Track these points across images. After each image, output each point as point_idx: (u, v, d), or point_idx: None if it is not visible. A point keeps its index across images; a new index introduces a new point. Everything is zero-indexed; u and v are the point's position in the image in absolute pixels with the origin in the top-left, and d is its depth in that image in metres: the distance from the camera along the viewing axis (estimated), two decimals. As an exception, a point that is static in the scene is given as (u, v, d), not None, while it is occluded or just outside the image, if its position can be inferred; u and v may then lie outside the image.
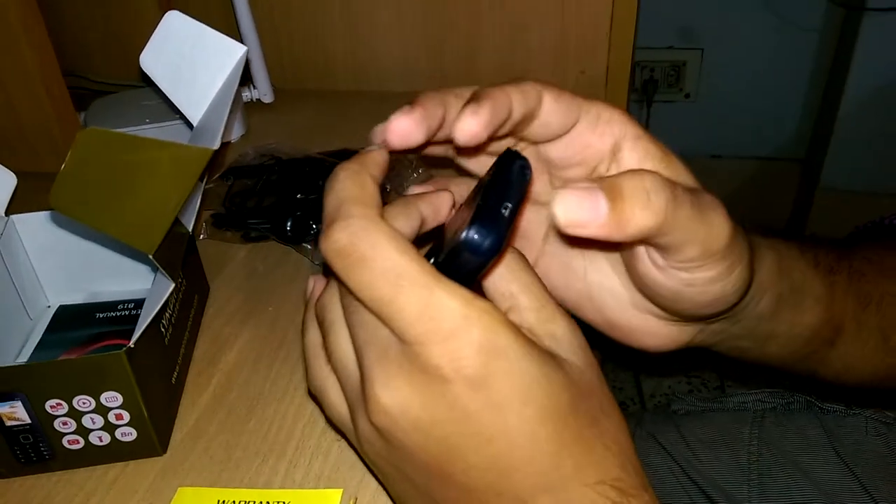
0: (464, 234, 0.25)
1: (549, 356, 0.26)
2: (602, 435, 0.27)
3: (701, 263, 0.28)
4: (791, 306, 0.37)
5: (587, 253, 0.34)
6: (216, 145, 0.33)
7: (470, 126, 0.27)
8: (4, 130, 0.64)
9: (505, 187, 0.26)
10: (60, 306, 0.50)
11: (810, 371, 0.42)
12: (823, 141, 1.56)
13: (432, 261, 0.28)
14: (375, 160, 0.28)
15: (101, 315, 0.48)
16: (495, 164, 0.28)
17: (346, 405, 0.29)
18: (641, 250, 0.30)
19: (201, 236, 0.56)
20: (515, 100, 0.28)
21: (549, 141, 0.30)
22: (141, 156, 0.31)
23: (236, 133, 0.72)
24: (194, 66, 0.43)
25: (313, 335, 0.30)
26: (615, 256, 0.33)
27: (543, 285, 0.30)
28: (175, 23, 0.44)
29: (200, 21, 0.81)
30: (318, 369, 0.30)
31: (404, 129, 0.27)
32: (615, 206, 0.25)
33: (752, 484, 0.66)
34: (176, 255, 0.37)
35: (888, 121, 1.48)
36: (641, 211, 0.25)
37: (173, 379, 0.42)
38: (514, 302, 0.29)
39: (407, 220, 0.29)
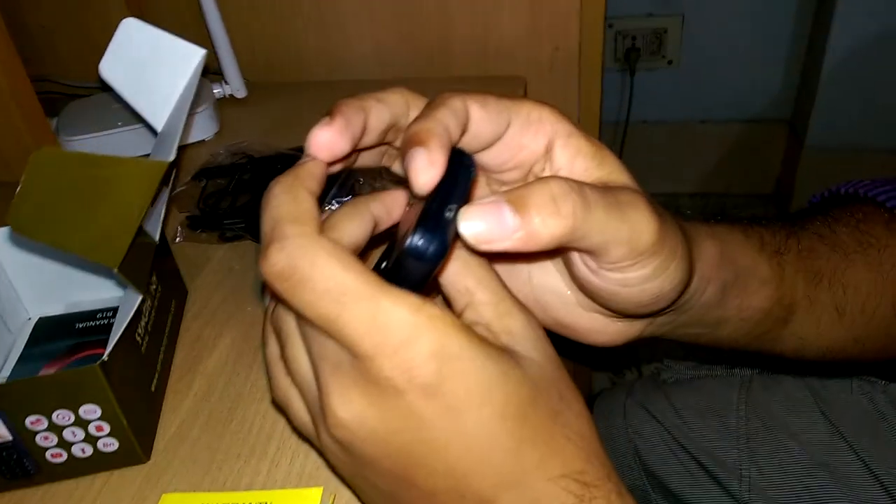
0: (408, 241, 0.25)
1: (505, 354, 0.26)
2: (564, 427, 0.27)
3: (630, 263, 0.28)
4: (738, 292, 0.37)
5: (531, 257, 0.34)
6: (172, 156, 0.33)
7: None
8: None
9: (449, 188, 0.26)
10: (40, 318, 0.50)
11: (766, 349, 0.42)
12: (808, 100, 1.55)
13: (384, 265, 0.28)
14: (310, 172, 0.28)
15: (81, 325, 0.49)
16: None
17: (309, 415, 0.29)
18: (574, 255, 0.30)
19: (177, 239, 0.56)
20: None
21: (484, 149, 0.30)
22: (96, 172, 0.31)
23: (209, 131, 0.72)
24: (154, 73, 0.43)
25: (272, 346, 0.31)
26: (558, 259, 0.34)
27: (500, 279, 0.30)
28: (132, 30, 0.43)
29: (171, 21, 0.81)
30: (279, 380, 0.30)
31: (326, 140, 0.27)
32: (522, 217, 0.25)
33: (741, 449, 0.66)
34: (143, 266, 0.37)
35: (871, 77, 1.48)
36: (550, 219, 0.25)
37: (152, 386, 0.42)
38: (470, 298, 0.29)
39: (358, 223, 0.29)
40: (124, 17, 0.79)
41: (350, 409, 0.25)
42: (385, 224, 0.31)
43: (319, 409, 0.27)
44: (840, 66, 1.47)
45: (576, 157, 0.30)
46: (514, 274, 0.34)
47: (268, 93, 0.80)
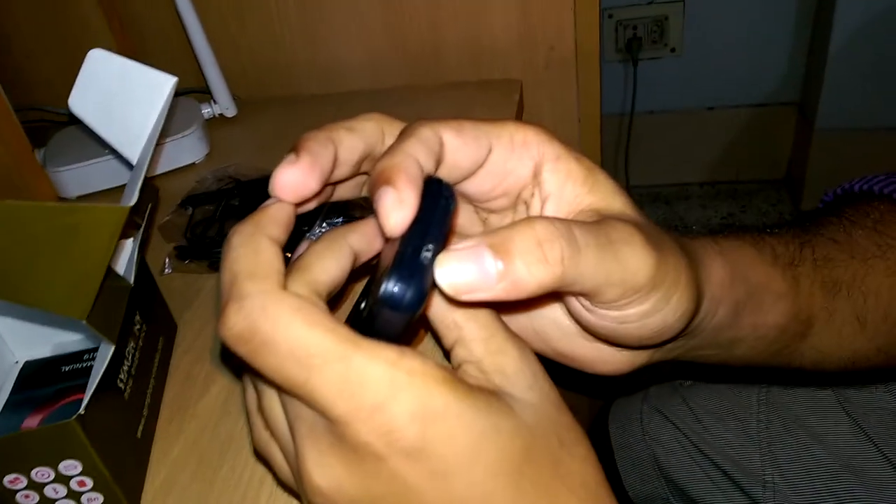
0: (382, 289, 0.23)
1: (496, 402, 0.24)
2: (565, 478, 0.25)
3: (627, 301, 0.26)
4: (751, 310, 0.35)
5: None
6: (133, 200, 0.32)
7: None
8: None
9: (425, 226, 0.24)
10: (26, 362, 0.49)
11: (783, 364, 0.40)
12: (816, 81, 1.51)
13: (363, 305, 0.26)
14: (273, 217, 0.25)
15: (67, 368, 0.47)
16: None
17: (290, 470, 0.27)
18: (568, 296, 0.28)
19: (166, 271, 0.54)
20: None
21: (465, 179, 0.28)
22: (54, 222, 0.29)
23: (199, 153, 0.70)
24: (125, 104, 0.41)
25: (251, 396, 0.29)
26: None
27: (491, 311, 0.27)
28: (99, 61, 0.41)
29: (156, 43, 0.79)
30: (259, 433, 0.28)
31: (292, 181, 0.25)
32: (505, 263, 0.22)
33: (763, 453, 0.64)
34: (115, 313, 0.36)
35: (879, 55, 1.44)
36: (535, 266, 0.23)
37: (139, 433, 0.41)
38: (459, 333, 0.27)
39: (335, 260, 0.27)
40: (109, 42, 0.78)
41: (327, 475, 0.23)
42: (366, 256, 0.29)
43: (298, 472, 0.25)
44: (847, 45, 1.44)
45: (566, 181, 0.28)
46: (511, 304, 0.32)
47: (258, 109, 0.78)
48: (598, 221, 0.26)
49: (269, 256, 0.24)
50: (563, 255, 0.23)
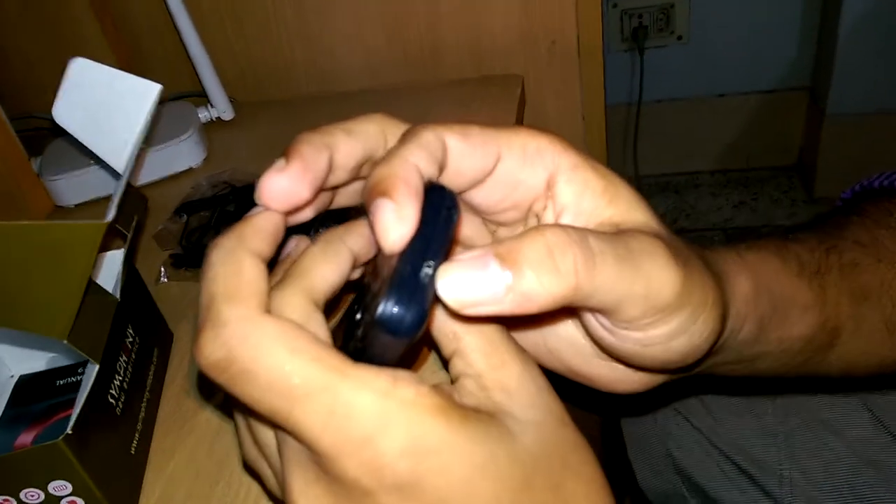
0: (379, 311, 0.21)
1: (494, 428, 0.22)
2: (568, 501, 0.23)
3: (651, 321, 0.24)
4: (777, 324, 0.33)
5: None
6: (111, 215, 0.31)
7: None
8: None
9: (426, 240, 0.22)
10: (21, 377, 0.48)
11: (809, 374, 0.38)
12: (827, 65, 1.49)
13: (358, 317, 0.24)
14: (259, 228, 0.24)
15: (62, 381, 0.46)
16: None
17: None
18: (583, 313, 0.26)
19: (162, 279, 0.53)
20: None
21: (472, 188, 0.26)
22: (30, 241, 0.28)
23: (197, 158, 0.69)
24: (110, 113, 0.40)
25: (240, 414, 0.27)
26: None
27: (494, 321, 0.26)
28: (81, 70, 0.40)
29: (152, 47, 0.78)
30: (248, 448, 0.27)
31: (281, 189, 0.23)
32: (514, 274, 0.20)
33: (780, 448, 0.63)
34: (100, 330, 0.35)
35: (890, 37, 1.41)
36: (547, 277, 0.21)
37: (132, 449, 0.40)
38: (458, 344, 0.25)
39: (333, 264, 0.25)
40: (103, 49, 0.77)
41: None
42: (366, 257, 0.27)
43: (284, 497, 0.24)
44: (857, 28, 1.41)
45: (583, 192, 0.25)
46: (525, 327, 0.30)
47: (256, 112, 0.77)
48: (618, 232, 0.24)
49: (251, 276, 0.22)
50: (577, 264, 0.21)
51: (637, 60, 1.61)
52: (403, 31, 0.75)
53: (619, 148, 1.71)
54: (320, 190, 0.25)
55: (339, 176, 0.26)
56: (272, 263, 0.25)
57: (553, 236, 0.21)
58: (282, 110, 0.77)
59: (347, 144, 0.25)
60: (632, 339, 0.25)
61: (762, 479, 0.62)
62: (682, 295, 0.24)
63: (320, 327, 0.23)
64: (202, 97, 0.75)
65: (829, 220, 0.39)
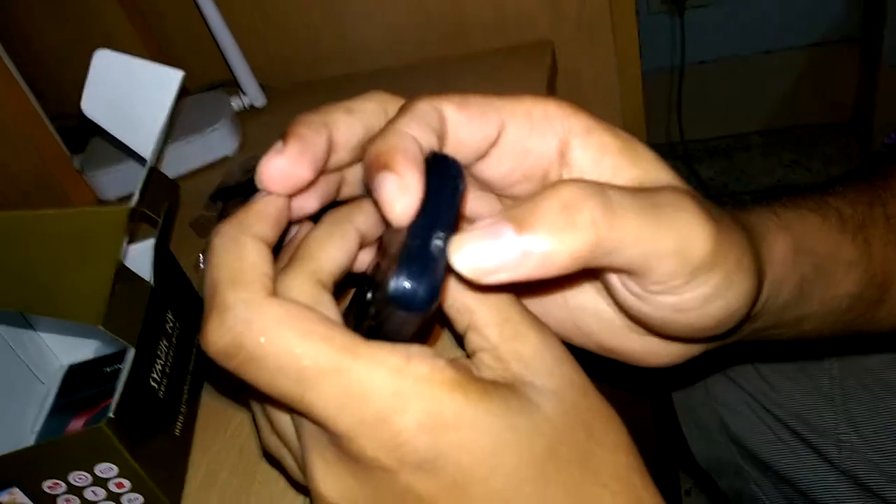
0: (391, 286, 0.20)
1: (514, 400, 0.22)
2: (597, 473, 0.23)
3: (683, 281, 0.22)
4: (821, 284, 0.31)
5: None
6: (134, 201, 0.31)
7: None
8: (3, 193, 0.64)
9: (434, 211, 0.21)
10: (70, 366, 0.49)
11: (860, 332, 0.36)
12: (878, 13, 1.41)
13: (369, 296, 0.24)
14: (261, 213, 0.23)
15: (109, 369, 0.48)
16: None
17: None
18: (612, 279, 0.25)
19: (201, 266, 0.54)
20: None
21: (477, 160, 0.25)
22: (54, 230, 0.29)
23: (231, 146, 0.70)
24: (135, 103, 0.41)
25: (256, 402, 0.28)
26: (597, 280, 0.28)
27: (507, 291, 0.25)
28: (106, 62, 0.41)
29: (181, 39, 0.79)
30: (267, 436, 0.27)
31: (280, 171, 0.23)
32: (530, 236, 0.20)
33: (837, 411, 0.60)
34: (135, 315, 0.35)
35: (949, -24, 1.33)
36: (565, 234, 0.20)
37: (177, 431, 0.41)
38: (471, 318, 0.24)
39: (340, 244, 0.25)
40: (134, 44, 0.78)
41: (336, 487, 0.22)
42: (373, 236, 0.27)
43: (307, 481, 0.24)
44: (911, -30, 1.33)
45: (601, 156, 0.24)
46: (546, 297, 0.29)
47: (288, 97, 0.77)
48: (645, 188, 0.23)
49: (254, 259, 0.22)
50: (596, 217, 0.20)
51: (677, 22, 1.56)
52: (425, 5, 0.74)
53: (662, 114, 1.67)
54: (322, 171, 0.25)
55: (341, 156, 0.25)
56: (277, 251, 0.25)
57: (568, 191, 0.20)
58: (312, 94, 0.77)
59: (346, 123, 0.25)
60: (665, 305, 0.24)
61: (819, 443, 0.60)
62: (716, 253, 0.22)
63: (330, 309, 0.23)
64: (234, 86, 0.76)
65: (871, 169, 0.37)
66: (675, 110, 1.63)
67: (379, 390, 0.20)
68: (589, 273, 0.27)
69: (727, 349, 0.32)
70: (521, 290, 0.29)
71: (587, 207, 0.20)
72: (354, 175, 0.28)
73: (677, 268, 0.22)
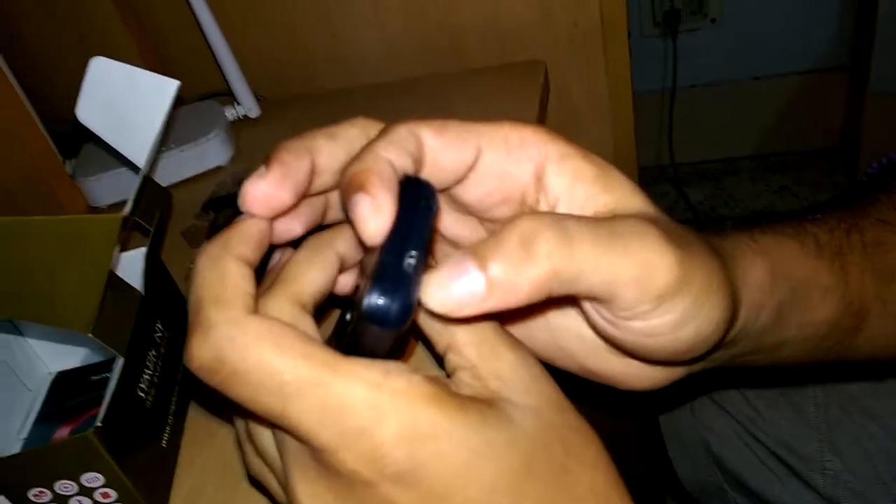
0: (365, 303, 0.21)
1: (490, 415, 0.22)
2: (573, 489, 0.23)
3: (651, 307, 0.23)
4: (797, 309, 0.32)
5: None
6: (127, 209, 0.31)
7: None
8: (-6, 198, 0.63)
9: (406, 231, 0.22)
10: (58, 373, 0.49)
11: (837, 360, 0.36)
12: (867, 42, 1.44)
13: (347, 317, 0.25)
14: (244, 234, 0.24)
15: (96, 377, 0.47)
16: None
17: None
18: (584, 305, 0.25)
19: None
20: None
21: (455, 183, 0.26)
22: (45, 236, 0.29)
23: (224, 156, 0.70)
24: (130, 111, 0.41)
25: (239, 421, 0.28)
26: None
27: (489, 318, 0.25)
28: (101, 69, 0.41)
29: (178, 48, 0.79)
30: (251, 459, 0.27)
31: (262, 194, 0.24)
32: (491, 271, 0.21)
33: (822, 438, 0.61)
34: (124, 324, 0.35)
35: (936, 9, 1.36)
36: (523, 267, 0.21)
37: (164, 442, 0.40)
38: (451, 339, 0.25)
39: (321, 268, 0.26)
40: (131, 51, 0.78)
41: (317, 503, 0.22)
42: (353, 260, 0.27)
43: (289, 501, 0.24)
44: (899, 2, 1.36)
45: (574, 182, 0.25)
46: (528, 318, 0.30)
47: (282, 108, 0.78)
48: (614, 216, 0.24)
49: (236, 279, 0.23)
50: (552, 249, 0.21)
51: (670, 45, 1.58)
52: (422, 21, 0.74)
53: (653, 136, 1.68)
54: (305, 195, 0.26)
55: (324, 180, 0.26)
56: (260, 275, 0.25)
57: (526, 224, 0.22)
58: (306, 106, 0.78)
59: (329, 148, 0.26)
60: (635, 330, 0.24)
61: (804, 471, 0.60)
62: (680, 279, 0.23)
63: (310, 329, 0.24)
64: (229, 96, 0.76)
65: (852, 197, 0.38)
66: (666, 133, 1.65)
67: (358, 404, 0.21)
68: (566, 298, 0.28)
69: (713, 373, 0.33)
70: (504, 315, 0.30)
71: (543, 239, 0.21)
72: (339, 200, 0.29)
73: (640, 295, 0.23)
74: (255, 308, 0.23)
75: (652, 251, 0.22)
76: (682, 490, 0.73)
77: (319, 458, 0.22)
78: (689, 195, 1.68)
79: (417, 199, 0.23)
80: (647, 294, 0.23)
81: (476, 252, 0.21)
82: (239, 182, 0.55)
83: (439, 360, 0.26)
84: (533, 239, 0.21)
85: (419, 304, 0.22)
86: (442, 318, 0.23)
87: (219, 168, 0.69)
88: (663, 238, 0.23)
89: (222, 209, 0.56)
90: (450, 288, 0.21)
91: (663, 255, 0.23)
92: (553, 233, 0.21)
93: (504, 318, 0.27)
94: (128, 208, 0.32)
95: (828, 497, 0.58)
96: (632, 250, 0.22)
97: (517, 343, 0.25)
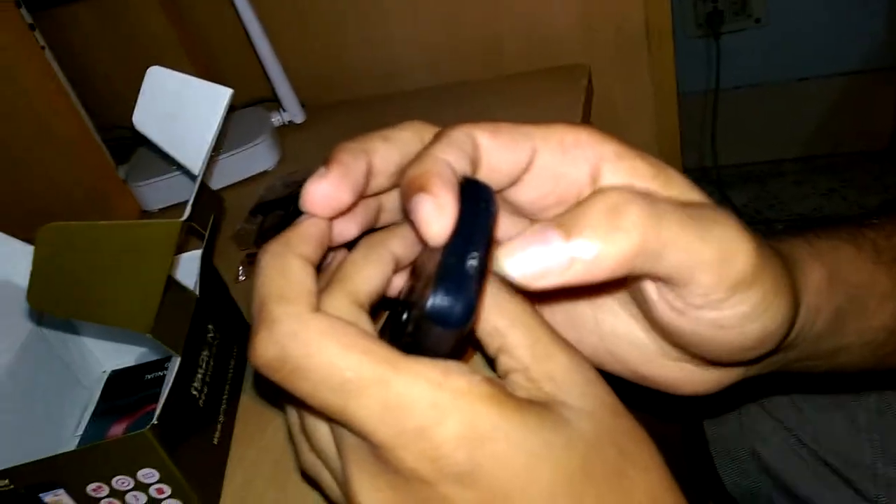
0: (428, 304, 0.21)
1: (548, 416, 0.22)
2: (630, 491, 0.23)
3: (725, 295, 0.23)
4: (855, 315, 0.31)
5: (595, 299, 0.29)
6: (186, 215, 0.32)
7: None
8: (53, 204, 0.66)
9: (468, 232, 0.22)
10: (112, 371, 0.51)
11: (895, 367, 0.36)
12: (919, 41, 1.40)
13: (405, 317, 0.25)
14: (305, 234, 0.24)
15: (150, 376, 0.49)
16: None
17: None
18: (652, 294, 0.25)
19: (240, 278, 0.55)
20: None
21: (510, 185, 0.26)
22: (110, 240, 0.30)
23: (271, 161, 0.71)
24: (185, 119, 0.42)
25: (293, 418, 0.28)
26: (630, 299, 0.28)
27: (534, 313, 0.26)
28: (158, 78, 0.42)
29: (225, 56, 0.81)
30: (304, 454, 0.28)
31: (323, 194, 0.24)
32: (578, 240, 0.20)
33: (874, 445, 0.59)
34: (181, 325, 0.36)
35: None
36: (612, 236, 0.21)
37: (215, 439, 0.41)
38: (502, 341, 0.25)
39: (376, 268, 0.26)
40: (180, 58, 0.80)
41: (376, 499, 0.23)
42: (407, 260, 0.27)
43: (347, 496, 0.24)
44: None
45: (633, 180, 0.25)
46: (578, 323, 0.30)
47: (325, 114, 0.79)
48: (692, 202, 0.24)
49: (300, 277, 0.23)
50: (642, 220, 0.21)
51: (713, 46, 1.56)
52: (463, 27, 0.75)
53: (696, 139, 1.66)
54: (362, 196, 0.26)
55: (379, 181, 0.26)
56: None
57: (614, 196, 0.21)
58: (349, 111, 0.79)
59: (384, 149, 0.26)
60: (705, 321, 0.24)
61: (855, 478, 0.59)
62: (757, 267, 0.23)
63: (368, 327, 0.24)
64: (275, 102, 0.78)
65: None
66: (709, 135, 1.63)
67: (418, 402, 0.21)
68: (622, 283, 0.27)
69: (762, 379, 0.32)
70: (555, 315, 0.30)
71: (633, 211, 0.21)
72: (392, 202, 0.29)
73: (719, 280, 0.22)
74: (317, 306, 0.23)
75: (733, 237, 0.22)
76: (725, 496, 0.72)
77: (379, 454, 0.22)
78: (733, 198, 1.65)
79: (477, 201, 0.23)
80: (726, 280, 0.22)
81: (561, 222, 0.21)
82: (287, 185, 0.57)
83: (491, 363, 0.26)
84: (621, 210, 0.21)
85: (480, 304, 0.22)
86: (512, 292, 0.23)
87: (265, 172, 0.71)
88: (742, 226, 0.23)
89: (271, 212, 0.57)
90: (531, 256, 0.21)
91: (743, 241, 0.22)
92: (643, 205, 0.21)
93: (553, 319, 0.27)
94: (186, 213, 0.33)
95: (879, 505, 0.57)
96: (715, 234, 0.22)
97: (569, 345, 0.25)
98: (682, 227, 0.21)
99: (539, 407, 0.23)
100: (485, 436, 0.21)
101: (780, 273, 0.24)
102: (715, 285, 0.22)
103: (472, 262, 0.22)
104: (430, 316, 0.21)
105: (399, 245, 0.27)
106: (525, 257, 0.21)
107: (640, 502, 0.23)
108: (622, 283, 0.26)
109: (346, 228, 0.27)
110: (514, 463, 0.21)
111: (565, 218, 0.21)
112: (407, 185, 0.23)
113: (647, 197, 0.21)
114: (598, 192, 0.22)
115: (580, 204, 0.21)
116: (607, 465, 0.23)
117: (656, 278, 0.24)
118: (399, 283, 0.28)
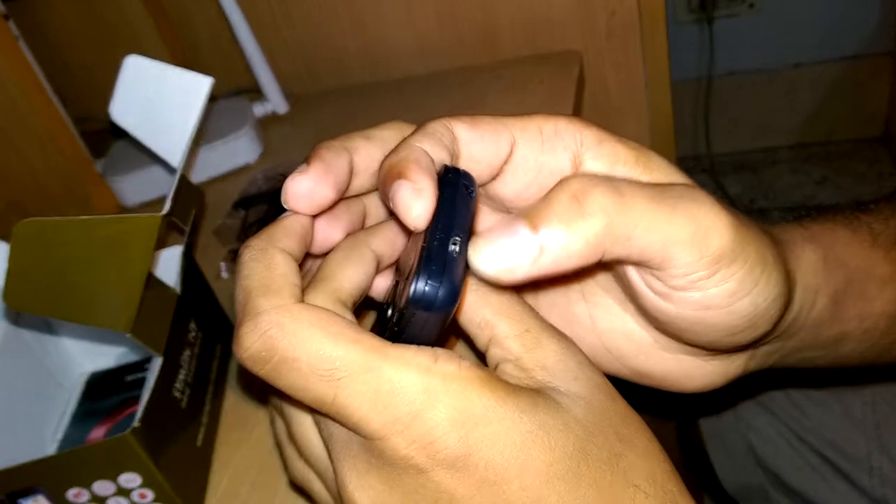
0: (412, 289, 0.21)
1: (541, 400, 0.22)
2: (627, 473, 0.22)
3: (706, 273, 0.22)
4: (854, 300, 0.31)
5: (588, 295, 0.29)
6: (166, 209, 0.31)
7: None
8: (27, 200, 0.64)
9: (449, 217, 0.22)
10: (92, 373, 0.49)
11: None
12: (914, 26, 1.39)
13: (389, 312, 0.25)
14: (288, 229, 0.24)
15: (130, 377, 0.47)
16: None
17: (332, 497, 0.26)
18: (636, 281, 0.25)
19: (223, 275, 0.54)
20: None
21: (492, 178, 0.26)
22: (88, 236, 0.29)
23: (253, 154, 0.69)
24: (164, 109, 0.41)
25: (280, 426, 0.27)
26: (622, 294, 0.28)
27: (522, 303, 0.25)
28: (135, 68, 0.41)
29: (205, 45, 0.79)
30: (293, 463, 0.27)
31: (304, 190, 0.24)
32: (544, 231, 0.20)
33: (869, 437, 0.59)
34: (161, 323, 0.35)
35: None
36: (576, 223, 0.21)
37: (199, 441, 0.40)
38: (491, 332, 0.25)
39: (358, 266, 0.25)
40: (159, 48, 0.78)
41: (369, 495, 0.22)
42: (389, 260, 0.27)
43: (339, 496, 0.23)
44: (948, -17, 1.31)
45: (614, 165, 0.25)
46: (573, 320, 0.29)
47: (311, 104, 0.77)
48: (665, 183, 0.24)
49: (283, 270, 0.23)
50: (605, 202, 0.21)
51: (706, 31, 1.55)
52: (455, 13, 0.73)
53: (689, 126, 1.65)
54: (344, 195, 0.26)
55: (361, 180, 0.26)
56: None
57: (576, 182, 0.21)
58: (336, 101, 0.77)
59: (366, 148, 0.26)
60: (691, 302, 0.24)
61: (851, 471, 0.59)
62: (735, 242, 0.22)
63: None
64: (257, 92, 0.76)
65: None
66: (702, 122, 1.62)
67: (409, 388, 0.21)
68: (603, 267, 0.27)
69: (759, 375, 0.32)
70: (551, 316, 0.29)
71: (596, 195, 0.21)
72: (377, 208, 0.29)
73: (697, 256, 0.22)
74: (301, 298, 0.23)
75: (707, 213, 0.22)
76: (721, 492, 0.71)
77: (370, 447, 0.21)
78: (727, 186, 1.64)
79: (457, 186, 0.23)
80: (704, 255, 0.22)
81: (526, 214, 0.21)
82: (270, 179, 0.55)
83: (481, 356, 0.26)
84: (585, 195, 0.21)
85: (465, 288, 0.21)
86: (490, 287, 0.23)
87: (247, 165, 0.69)
88: (716, 203, 0.23)
89: (253, 207, 0.55)
90: (500, 249, 0.21)
91: (718, 215, 0.22)
92: (605, 188, 0.21)
93: (549, 317, 0.26)
94: (166, 208, 0.32)
95: (875, 498, 0.56)
96: (686, 210, 0.22)
97: (559, 332, 0.25)
98: (650, 207, 0.21)
99: (532, 392, 0.22)
100: (477, 418, 0.21)
101: (765, 249, 0.24)
102: (693, 263, 0.22)
103: (454, 247, 0.22)
104: (415, 300, 0.21)
105: (380, 243, 0.27)
106: (494, 251, 0.21)
107: (638, 485, 0.22)
108: (608, 270, 0.26)
109: (332, 233, 0.27)
110: (508, 445, 0.21)
111: (531, 209, 0.21)
112: (385, 175, 0.23)
113: (610, 180, 0.21)
114: (561, 180, 0.22)
115: (546, 194, 0.22)
116: (605, 447, 0.22)
117: (634, 263, 0.23)
118: (383, 285, 0.28)
